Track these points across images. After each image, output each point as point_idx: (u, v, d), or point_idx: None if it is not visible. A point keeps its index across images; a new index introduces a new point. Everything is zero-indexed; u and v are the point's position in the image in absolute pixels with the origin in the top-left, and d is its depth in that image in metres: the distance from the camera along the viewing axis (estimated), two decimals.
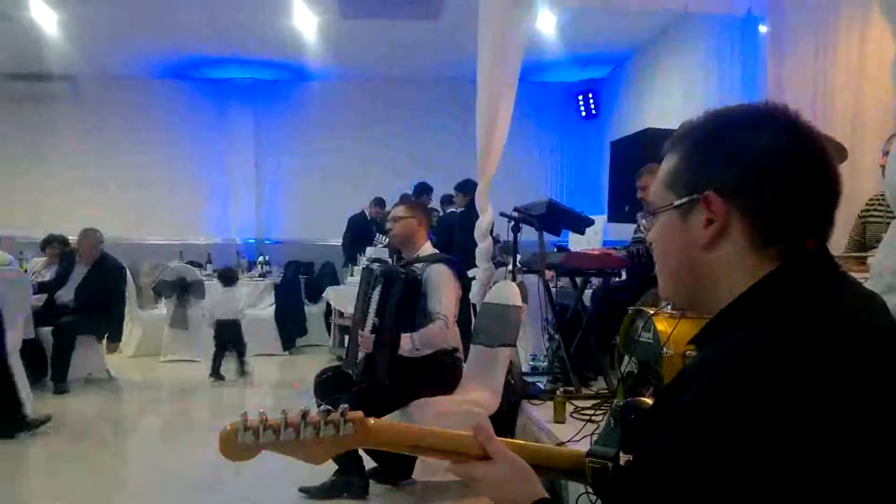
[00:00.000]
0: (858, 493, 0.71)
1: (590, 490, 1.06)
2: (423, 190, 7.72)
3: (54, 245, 6.65)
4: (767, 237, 0.86)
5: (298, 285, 8.43)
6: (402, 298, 3.20)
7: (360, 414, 0.98)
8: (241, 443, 0.93)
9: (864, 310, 0.82)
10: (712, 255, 0.89)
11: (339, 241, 8.68)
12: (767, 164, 0.85)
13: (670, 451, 0.75)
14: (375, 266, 3.39)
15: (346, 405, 0.98)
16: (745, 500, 0.70)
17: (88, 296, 6.06)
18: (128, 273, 7.14)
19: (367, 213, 8.29)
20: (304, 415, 0.94)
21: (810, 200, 0.86)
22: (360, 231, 8.14)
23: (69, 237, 6.88)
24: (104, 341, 6.29)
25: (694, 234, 0.89)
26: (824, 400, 0.71)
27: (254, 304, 7.74)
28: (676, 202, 0.91)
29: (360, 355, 3.24)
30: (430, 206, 7.25)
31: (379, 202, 8.23)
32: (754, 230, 0.86)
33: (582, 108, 9.81)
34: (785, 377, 0.71)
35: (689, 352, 2.44)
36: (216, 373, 6.09)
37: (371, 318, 3.21)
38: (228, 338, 6.18)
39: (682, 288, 0.95)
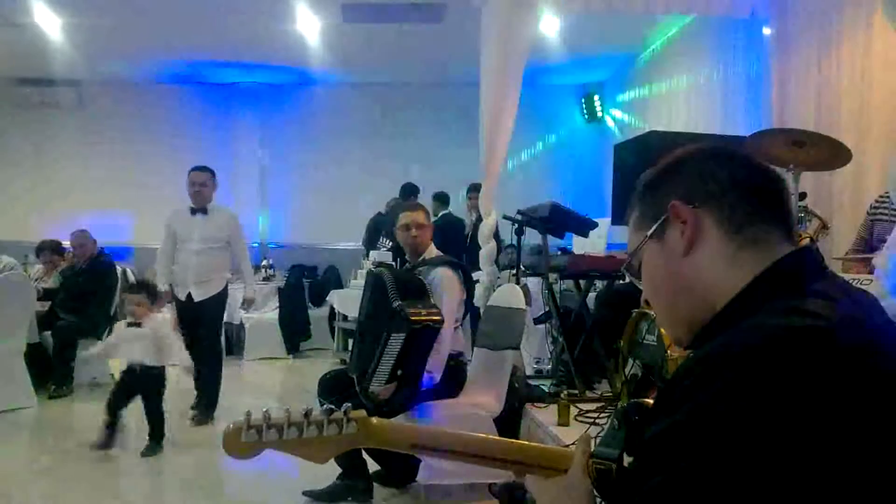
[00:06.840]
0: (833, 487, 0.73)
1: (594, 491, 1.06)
2: (411, 191, 7.63)
3: (46, 252, 6.58)
4: (737, 224, 0.91)
5: (302, 289, 8.43)
6: (426, 348, 3.05)
7: (362, 413, 0.98)
8: (244, 441, 0.93)
9: (855, 306, 0.83)
10: (696, 257, 0.92)
11: (342, 245, 8.63)
12: (713, 164, 0.95)
13: (672, 431, 0.77)
14: (396, 306, 2.99)
15: (350, 405, 0.98)
16: (747, 473, 0.72)
17: (84, 297, 6.02)
18: (129, 273, 7.13)
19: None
20: (308, 413, 0.95)
21: (758, 181, 0.94)
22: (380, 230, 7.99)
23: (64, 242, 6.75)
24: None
25: (673, 247, 0.94)
26: (811, 394, 0.73)
27: (258, 307, 7.75)
28: (650, 231, 0.97)
29: (375, 392, 3.04)
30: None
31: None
32: (723, 221, 0.91)
33: (585, 111, 9.80)
34: (771, 372, 0.73)
35: (691, 355, 2.43)
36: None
37: (390, 365, 3.01)
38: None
39: (682, 312, 0.96)
